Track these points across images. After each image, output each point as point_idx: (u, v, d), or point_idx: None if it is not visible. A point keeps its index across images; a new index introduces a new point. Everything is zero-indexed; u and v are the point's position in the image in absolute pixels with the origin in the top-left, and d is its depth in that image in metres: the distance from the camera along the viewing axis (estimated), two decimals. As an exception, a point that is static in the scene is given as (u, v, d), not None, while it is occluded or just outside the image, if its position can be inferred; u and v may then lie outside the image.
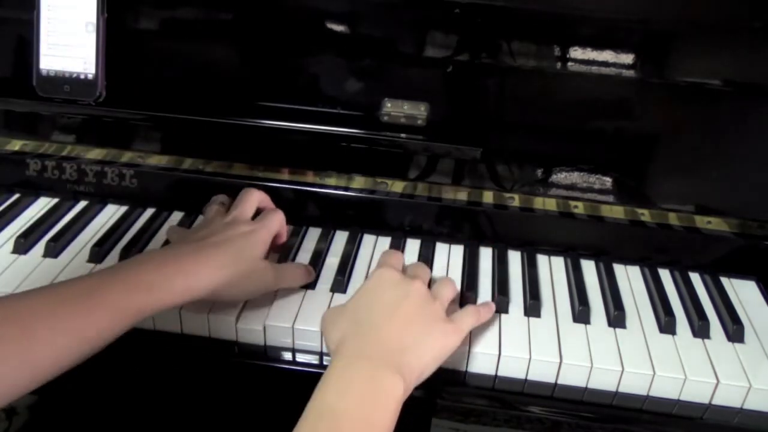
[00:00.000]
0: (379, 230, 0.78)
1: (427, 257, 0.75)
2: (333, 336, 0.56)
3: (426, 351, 0.56)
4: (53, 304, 0.51)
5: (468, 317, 0.61)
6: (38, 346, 0.48)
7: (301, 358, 0.64)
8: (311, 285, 0.69)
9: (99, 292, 0.53)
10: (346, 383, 0.51)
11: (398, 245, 0.76)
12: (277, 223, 0.68)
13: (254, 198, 0.70)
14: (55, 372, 0.50)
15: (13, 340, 0.48)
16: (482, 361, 0.63)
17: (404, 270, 0.64)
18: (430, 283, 0.64)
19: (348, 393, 0.50)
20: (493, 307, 0.66)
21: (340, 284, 0.69)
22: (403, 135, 0.73)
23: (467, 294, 0.69)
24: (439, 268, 0.74)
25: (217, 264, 0.59)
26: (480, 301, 0.69)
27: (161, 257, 0.58)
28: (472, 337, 0.63)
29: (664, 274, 0.75)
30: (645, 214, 0.75)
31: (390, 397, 0.51)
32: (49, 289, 0.53)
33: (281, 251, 0.73)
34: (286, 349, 0.65)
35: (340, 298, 0.67)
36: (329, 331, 0.57)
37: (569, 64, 0.71)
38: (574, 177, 0.74)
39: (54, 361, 0.49)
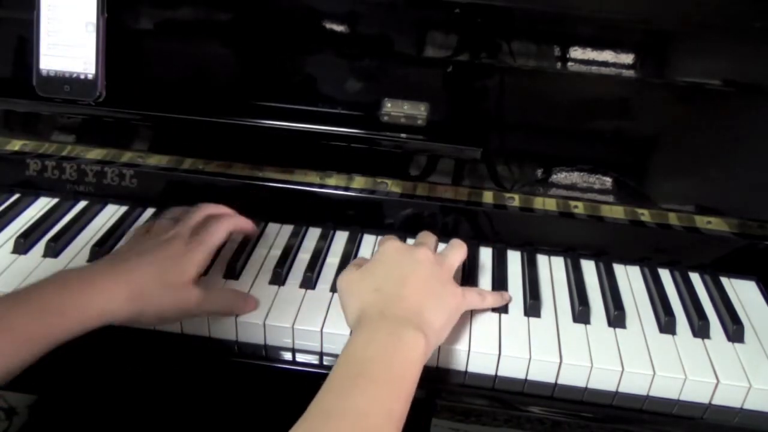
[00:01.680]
0: (379, 230, 0.78)
1: (427, 257, 0.74)
2: (353, 305, 0.58)
3: (441, 310, 0.58)
4: None
5: (474, 294, 0.64)
6: None
7: (301, 358, 0.64)
8: (311, 285, 0.69)
9: (5, 319, 0.50)
10: (370, 336, 0.54)
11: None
12: (217, 237, 0.64)
13: (201, 214, 0.67)
14: None
15: None
16: (482, 361, 0.63)
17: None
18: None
19: (372, 344, 0.53)
20: (507, 296, 0.68)
21: (340, 284, 0.69)
22: (403, 135, 0.73)
23: (467, 294, 0.69)
24: (439, 268, 0.74)
25: (135, 285, 0.56)
26: (480, 301, 0.69)
27: (75, 278, 0.56)
28: (472, 337, 0.64)
29: (664, 274, 0.75)
30: (645, 214, 0.75)
31: (412, 350, 0.53)
32: None
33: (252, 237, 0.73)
34: (286, 349, 0.64)
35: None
36: (349, 302, 0.59)
37: (569, 64, 0.71)
38: (574, 177, 0.74)
39: None
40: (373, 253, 0.75)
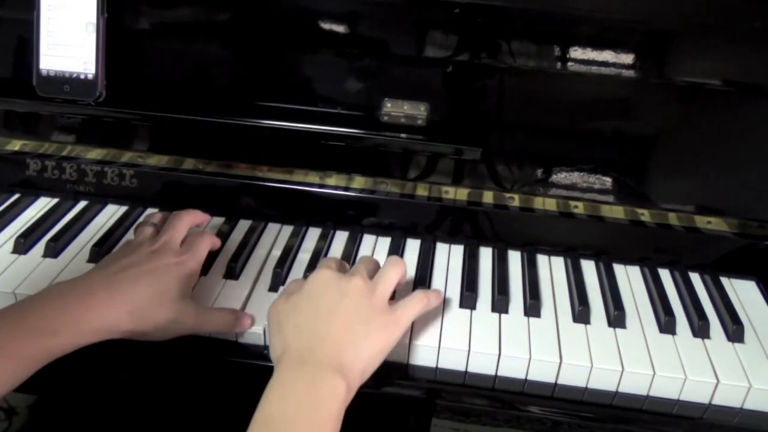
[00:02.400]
0: (379, 230, 0.78)
1: (427, 257, 0.75)
2: (277, 341, 0.56)
3: (366, 348, 0.55)
4: None
5: (412, 306, 0.60)
6: None
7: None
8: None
9: None
10: (288, 390, 0.51)
11: (398, 245, 0.76)
12: (205, 248, 0.65)
13: (184, 222, 0.66)
14: None
15: None
16: (482, 361, 0.63)
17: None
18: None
19: (290, 398, 0.50)
20: (441, 293, 0.65)
21: (340, 284, 0.69)
22: (403, 135, 0.73)
23: (467, 294, 0.69)
24: (439, 268, 0.74)
25: (133, 302, 0.55)
26: (480, 301, 0.69)
27: (69, 294, 0.55)
28: (471, 336, 0.63)
29: (664, 274, 0.75)
30: (645, 214, 0.75)
31: (332, 398, 0.51)
32: None
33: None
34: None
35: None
36: (273, 336, 0.57)
37: (569, 64, 0.71)
38: (574, 177, 0.74)
39: None
40: (372, 254, 0.75)
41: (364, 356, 0.55)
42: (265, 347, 0.64)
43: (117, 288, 0.56)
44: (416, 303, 0.60)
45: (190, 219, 0.67)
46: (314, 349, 0.54)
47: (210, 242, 0.66)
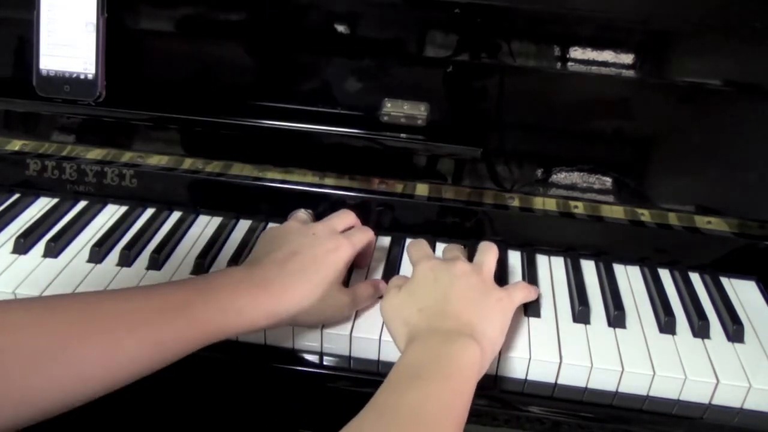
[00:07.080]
0: (379, 230, 0.78)
1: (427, 257, 0.74)
2: (400, 329, 0.58)
3: (490, 319, 0.58)
4: (142, 314, 0.51)
5: (519, 288, 0.64)
6: (122, 354, 0.49)
7: (301, 357, 0.64)
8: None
9: (190, 310, 0.53)
10: (423, 346, 0.53)
11: (399, 245, 0.76)
12: (362, 240, 0.66)
13: (349, 218, 0.69)
14: (132, 378, 0.50)
15: (97, 346, 0.48)
16: (482, 361, 0.63)
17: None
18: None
19: (426, 351, 0.53)
20: (538, 290, 0.69)
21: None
22: (403, 135, 0.73)
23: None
24: (439, 268, 0.74)
25: (302, 290, 0.59)
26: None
27: (250, 279, 0.58)
28: (472, 337, 0.63)
29: (664, 274, 0.75)
30: (645, 214, 0.75)
31: (467, 355, 0.52)
32: (138, 296, 0.53)
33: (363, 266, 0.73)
34: (287, 350, 0.64)
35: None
36: (396, 327, 0.59)
37: (569, 64, 0.71)
38: (574, 177, 0.74)
39: (135, 368, 0.50)
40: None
41: (492, 326, 0.57)
42: (265, 347, 0.64)
43: (289, 279, 0.59)
44: (522, 287, 0.65)
45: (352, 219, 0.69)
46: (442, 322, 0.56)
47: (368, 235, 0.68)
